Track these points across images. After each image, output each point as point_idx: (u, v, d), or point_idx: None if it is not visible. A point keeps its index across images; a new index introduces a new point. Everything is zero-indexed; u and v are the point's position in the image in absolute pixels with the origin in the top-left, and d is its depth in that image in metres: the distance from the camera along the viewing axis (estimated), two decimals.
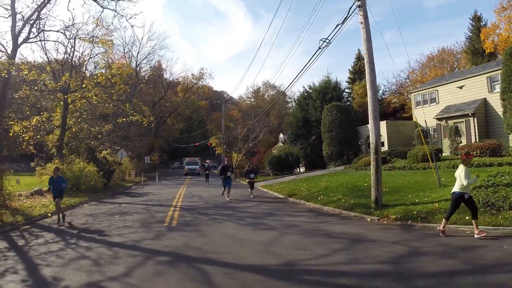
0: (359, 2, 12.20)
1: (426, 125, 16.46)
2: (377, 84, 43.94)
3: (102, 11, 19.36)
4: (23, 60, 21.65)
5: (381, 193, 11.76)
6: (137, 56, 52.98)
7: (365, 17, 12.07)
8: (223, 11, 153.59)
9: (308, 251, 7.15)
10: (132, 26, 21.00)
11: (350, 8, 12.59)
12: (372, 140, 11.90)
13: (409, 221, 9.65)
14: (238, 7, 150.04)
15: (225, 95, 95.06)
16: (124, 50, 50.67)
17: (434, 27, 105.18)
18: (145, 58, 54.82)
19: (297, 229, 9.59)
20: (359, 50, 51.07)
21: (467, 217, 8.84)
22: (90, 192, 20.39)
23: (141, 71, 56.52)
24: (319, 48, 14.65)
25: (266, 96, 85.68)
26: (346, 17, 12.82)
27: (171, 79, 62.83)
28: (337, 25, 13.40)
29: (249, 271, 6.05)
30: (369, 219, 10.62)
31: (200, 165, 54.62)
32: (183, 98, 67.48)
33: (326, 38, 14.31)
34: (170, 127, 70.82)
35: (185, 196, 20.08)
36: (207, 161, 75.78)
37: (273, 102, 51.47)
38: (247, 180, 19.40)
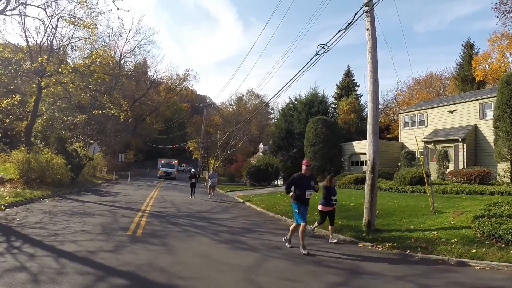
0: (367, 8, 11.23)
1: (418, 146, 15.60)
2: (363, 102, 43.60)
3: None
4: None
5: (375, 216, 10.67)
6: (122, 49, 51.02)
7: (372, 24, 11.12)
8: (214, 14, 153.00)
9: (300, 284, 5.89)
10: (118, 8, 19.52)
11: (356, 13, 11.62)
12: (369, 157, 10.84)
13: (408, 251, 8.55)
14: (230, 12, 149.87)
15: (207, 100, 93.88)
16: (109, 40, 48.82)
17: (422, 52, 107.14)
18: (130, 51, 52.90)
19: (282, 252, 8.32)
20: (348, 66, 50.91)
21: (473, 250, 7.87)
22: (55, 186, 18.81)
23: (125, 65, 54.60)
24: (316, 54, 13.66)
25: (249, 105, 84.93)
26: (350, 23, 11.80)
27: (155, 77, 60.98)
28: (339, 31, 12.39)
29: None
30: (361, 245, 9.46)
31: (176, 168, 50.52)
32: (165, 98, 65.75)
33: (325, 44, 13.28)
34: (149, 127, 68.88)
35: (156, 200, 18.56)
36: (183, 165, 74.09)
37: (257, 110, 50.66)
38: (324, 208, 10.09)
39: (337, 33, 12.39)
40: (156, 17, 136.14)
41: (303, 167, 8.87)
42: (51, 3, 17.49)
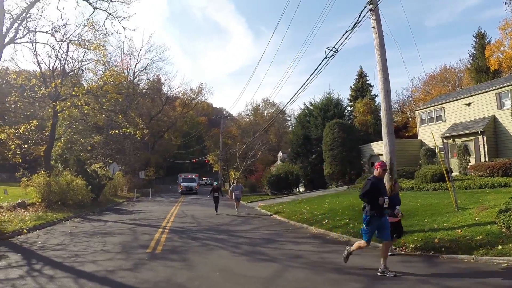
0: (371, 6, 11.13)
1: (435, 143, 15.20)
2: (379, 102, 43.05)
3: (94, 11, 18.10)
4: (13, 67, 20.53)
5: None
6: (134, 68, 51.92)
7: (378, 21, 10.99)
8: (224, 27, 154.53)
9: None
10: (124, 28, 19.81)
11: (361, 12, 11.54)
12: (385, 157, 10.63)
13: (432, 252, 8.28)
14: (239, 23, 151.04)
15: (224, 112, 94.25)
16: (121, 60, 49.71)
17: (435, 46, 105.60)
18: (143, 69, 53.83)
19: (302, 261, 8.15)
20: (361, 67, 50.39)
21: (499, 246, 7.53)
22: (77, 207, 19.01)
23: (140, 83, 55.56)
24: (326, 57, 13.65)
25: (265, 114, 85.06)
26: (356, 23, 11.77)
27: (169, 93, 61.74)
28: (346, 32, 12.36)
29: None
30: None
31: (197, 183, 48.76)
32: (181, 113, 66.38)
33: (333, 47, 13.29)
34: (168, 143, 69.55)
35: (177, 215, 18.59)
36: (204, 178, 74.12)
37: (272, 118, 50.70)
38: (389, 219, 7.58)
39: (344, 34, 12.36)
40: (167, 34, 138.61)
41: (378, 170, 7.09)
42: (59, 28, 17.94)
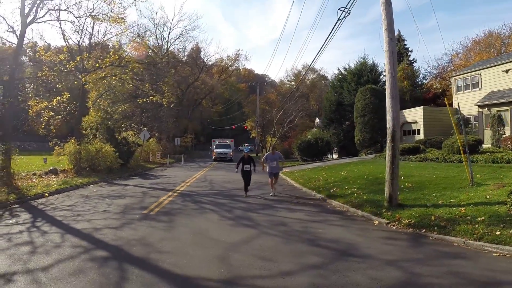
0: None
1: (450, 113, 14.27)
2: (417, 68, 40.69)
3: None
4: (42, 44, 21.38)
5: (397, 190, 9.90)
6: (168, 37, 52.35)
7: None
8: None
9: (272, 264, 5.61)
10: (135, 0, 19.50)
11: None
12: (388, 124, 10.04)
13: (423, 230, 7.75)
14: None
15: (266, 78, 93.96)
16: (156, 32, 50.05)
17: (483, 11, 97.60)
18: (176, 38, 54.20)
19: (282, 229, 8.05)
20: (399, 30, 47.33)
21: (497, 232, 6.77)
22: (105, 173, 20.02)
23: (178, 52, 55.95)
24: (339, 19, 13.27)
25: (306, 80, 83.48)
26: None
27: (205, 60, 61.87)
28: None
29: (175, 285, 4.84)
30: (376, 222, 8.85)
31: (232, 149, 44.83)
32: (218, 80, 66.46)
33: (345, 7, 12.85)
34: (207, 109, 70.29)
35: (197, 180, 19.04)
36: (246, 144, 73.11)
37: (299, 80, 49.69)
38: None
39: None
40: (208, 1, 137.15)
41: None
42: (77, 4, 18.35)
